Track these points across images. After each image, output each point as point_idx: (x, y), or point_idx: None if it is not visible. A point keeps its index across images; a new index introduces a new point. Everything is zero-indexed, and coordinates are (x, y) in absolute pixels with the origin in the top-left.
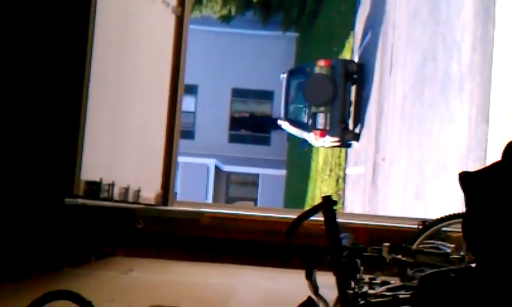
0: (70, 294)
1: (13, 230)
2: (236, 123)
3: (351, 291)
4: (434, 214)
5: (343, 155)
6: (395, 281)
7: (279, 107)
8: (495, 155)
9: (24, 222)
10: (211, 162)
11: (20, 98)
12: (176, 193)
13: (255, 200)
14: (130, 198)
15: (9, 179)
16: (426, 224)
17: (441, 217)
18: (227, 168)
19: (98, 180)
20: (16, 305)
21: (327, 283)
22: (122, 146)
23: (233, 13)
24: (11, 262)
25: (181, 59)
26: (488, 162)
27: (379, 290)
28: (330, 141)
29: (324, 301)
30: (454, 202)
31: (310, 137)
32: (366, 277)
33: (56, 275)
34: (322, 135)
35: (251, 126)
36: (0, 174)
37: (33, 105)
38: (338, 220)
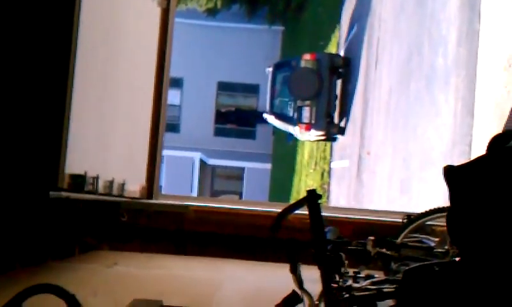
0: (53, 288)
1: None
2: (221, 116)
3: (336, 285)
4: (418, 208)
5: (328, 148)
6: (379, 275)
7: (264, 100)
8: (479, 149)
9: (8, 215)
10: (196, 156)
11: (3, 91)
12: (161, 186)
13: (240, 194)
14: (115, 191)
15: None
16: (411, 218)
17: (426, 211)
18: (212, 162)
19: (82, 173)
20: None
21: (312, 276)
22: (107, 139)
23: (219, 6)
24: None
25: (166, 52)
26: (473, 156)
27: (363, 283)
28: (315, 134)
29: (309, 295)
30: (439, 196)
31: (296, 130)
32: (350, 271)
33: (40, 268)
34: (308, 128)
35: (236, 120)
36: None
37: (17, 98)
38: (323, 213)
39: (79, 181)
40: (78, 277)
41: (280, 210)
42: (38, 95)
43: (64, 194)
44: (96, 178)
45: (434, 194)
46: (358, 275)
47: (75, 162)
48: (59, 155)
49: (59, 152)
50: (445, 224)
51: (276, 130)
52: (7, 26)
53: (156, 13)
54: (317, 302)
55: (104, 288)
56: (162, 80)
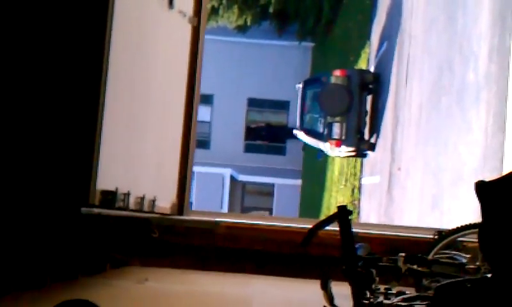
0: (85, 303)
1: (29, 239)
2: (252, 132)
3: (367, 302)
4: (450, 224)
5: (358, 164)
6: (410, 291)
7: (294, 116)
8: (511, 165)
9: (40, 231)
10: (226, 172)
11: (36, 108)
12: (191, 203)
13: (270, 210)
14: (146, 208)
15: (25, 188)
16: (442, 234)
17: (457, 227)
18: (242, 178)
19: (113, 189)
20: None
21: (343, 293)
22: (138, 156)
23: (249, 23)
24: (27, 271)
25: (197, 68)
26: (505, 172)
27: (394, 300)
28: (346, 150)
29: None
30: (470, 212)
31: (326, 146)
32: (381, 287)
33: (71, 284)
34: (338, 145)
35: (266, 136)
36: (16, 184)
37: (49, 115)
38: (354, 230)
39: (110, 197)
40: (109, 293)
41: (310, 226)
42: (70, 113)
43: (95, 210)
44: (127, 195)
45: (466, 210)
46: (389, 291)
47: (107, 178)
48: (91, 171)
49: (91, 169)
50: (476, 240)
51: (306, 146)
52: (45, 53)
53: (187, 30)
54: None
55: (134, 304)
56: (192, 97)
